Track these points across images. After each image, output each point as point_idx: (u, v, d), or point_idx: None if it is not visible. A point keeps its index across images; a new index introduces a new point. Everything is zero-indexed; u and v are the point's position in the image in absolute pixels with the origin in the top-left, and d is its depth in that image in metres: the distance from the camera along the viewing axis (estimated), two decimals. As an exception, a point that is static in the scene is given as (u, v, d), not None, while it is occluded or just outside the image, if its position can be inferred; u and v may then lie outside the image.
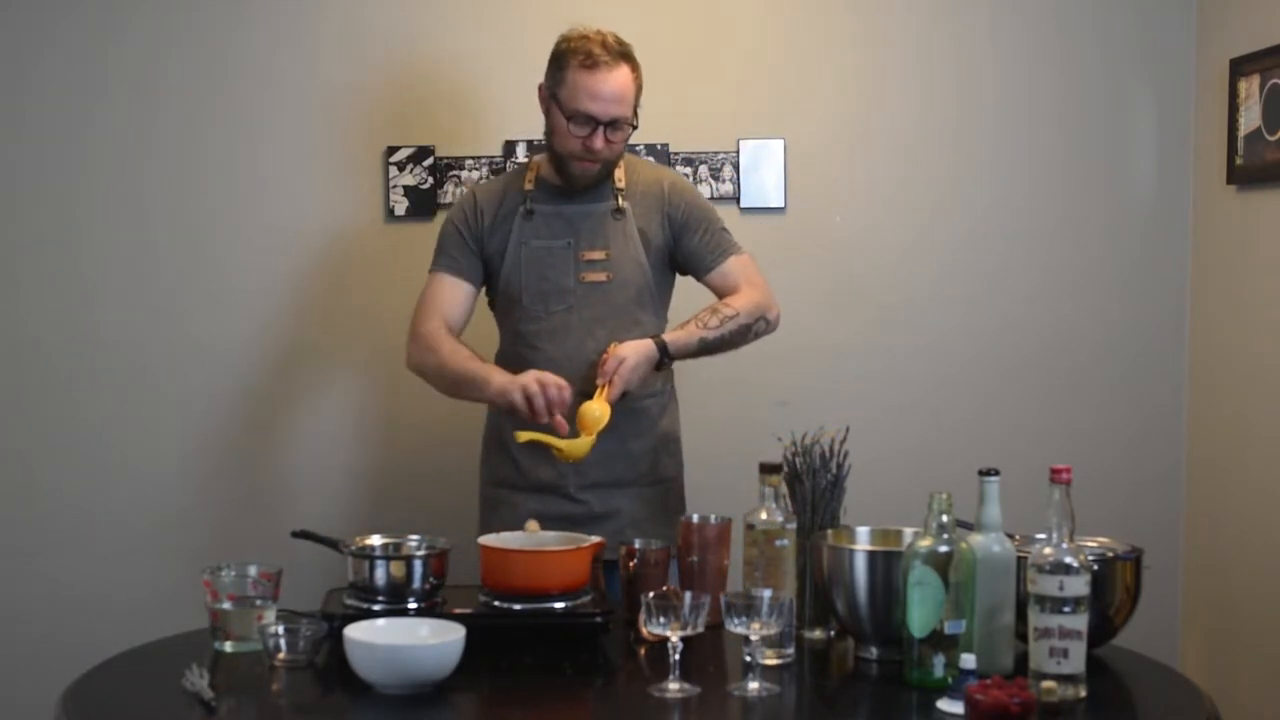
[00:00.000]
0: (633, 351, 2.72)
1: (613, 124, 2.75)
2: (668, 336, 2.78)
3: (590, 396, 2.69)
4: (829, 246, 3.57)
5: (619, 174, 2.86)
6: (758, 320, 2.85)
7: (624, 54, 2.77)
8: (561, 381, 2.66)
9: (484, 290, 2.95)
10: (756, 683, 2.10)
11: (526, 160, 2.99)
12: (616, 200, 2.85)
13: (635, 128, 2.82)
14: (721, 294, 2.87)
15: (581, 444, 2.66)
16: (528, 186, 2.88)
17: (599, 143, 2.76)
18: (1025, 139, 3.60)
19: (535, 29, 3.48)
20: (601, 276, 2.83)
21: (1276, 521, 3.23)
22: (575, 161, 2.79)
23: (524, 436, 2.68)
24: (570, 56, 2.76)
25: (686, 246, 2.88)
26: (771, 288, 2.89)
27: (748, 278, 2.87)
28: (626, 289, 2.84)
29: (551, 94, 2.79)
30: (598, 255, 2.83)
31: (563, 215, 2.85)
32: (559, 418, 2.66)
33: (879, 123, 3.58)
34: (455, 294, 2.87)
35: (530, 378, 2.66)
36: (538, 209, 2.85)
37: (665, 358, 2.77)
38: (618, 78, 2.74)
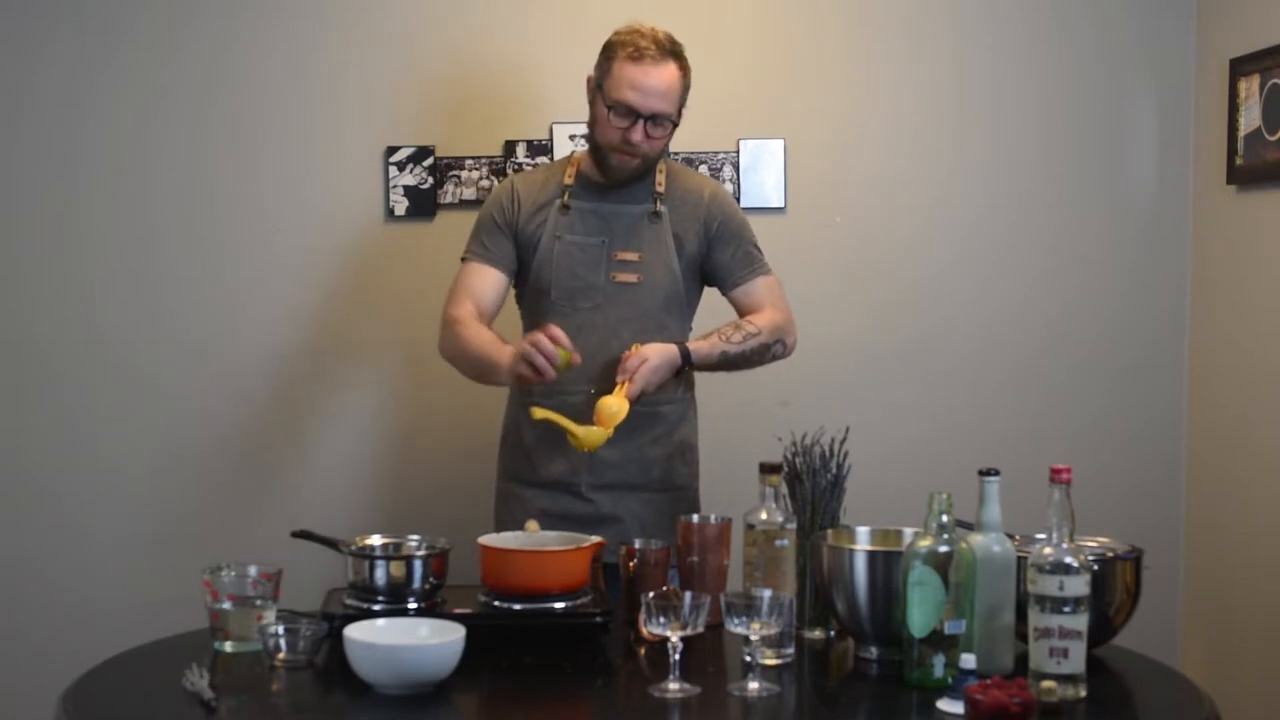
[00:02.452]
0: (655, 353, 2.72)
1: (653, 119, 2.75)
2: (691, 345, 2.79)
3: (606, 394, 2.68)
4: (829, 246, 3.57)
5: (660, 178, 2.86)
6: (776, 342, 2.85)
7: (673, 52, 2.77)
8: (550, 333, 2.60)
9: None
10: (756, 683, 2.10)
11: (569, 154, 2.99)
12: (654, 203, 2.85)
13: (676, 125, 2.81)
14: (744, 311, 2.88)
15: (597, 433, 2.64)
16: (567, 181, 2.88)
17: (638, 135, 2.75)
18: (1025, 139, 3.60)
19: (536, 29, 3.51)
20: (632, 278, 2.83)
21: (1276, 521, 3.23)
22: (614, 154, 2.78)
23: (539, 414, 2.67)
24: (619, 48, 2.76)
25: (717, 259, 2.87)
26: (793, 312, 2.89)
27: (772, 300, 2.88)
28: (655, 293, 2.83)
29: (597, 84, 2.79)
30: (630, 256, 2.83)
31: (599, 213, 2.85)
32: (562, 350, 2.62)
33: (879, 123, 3.58)
34: (488, 280, 2.86)
35: (524, 342, 2.62)
36: (575, 204, 2.85)
37: (686, 364, 2.77)
38: (663, 73, 2.74)
